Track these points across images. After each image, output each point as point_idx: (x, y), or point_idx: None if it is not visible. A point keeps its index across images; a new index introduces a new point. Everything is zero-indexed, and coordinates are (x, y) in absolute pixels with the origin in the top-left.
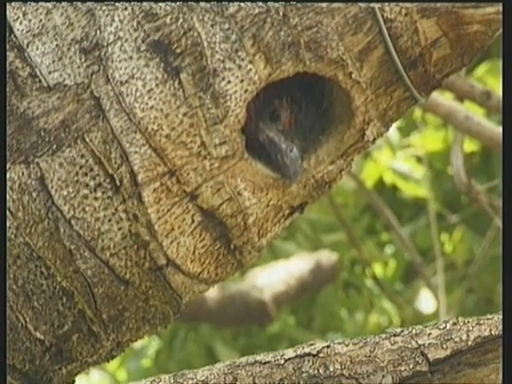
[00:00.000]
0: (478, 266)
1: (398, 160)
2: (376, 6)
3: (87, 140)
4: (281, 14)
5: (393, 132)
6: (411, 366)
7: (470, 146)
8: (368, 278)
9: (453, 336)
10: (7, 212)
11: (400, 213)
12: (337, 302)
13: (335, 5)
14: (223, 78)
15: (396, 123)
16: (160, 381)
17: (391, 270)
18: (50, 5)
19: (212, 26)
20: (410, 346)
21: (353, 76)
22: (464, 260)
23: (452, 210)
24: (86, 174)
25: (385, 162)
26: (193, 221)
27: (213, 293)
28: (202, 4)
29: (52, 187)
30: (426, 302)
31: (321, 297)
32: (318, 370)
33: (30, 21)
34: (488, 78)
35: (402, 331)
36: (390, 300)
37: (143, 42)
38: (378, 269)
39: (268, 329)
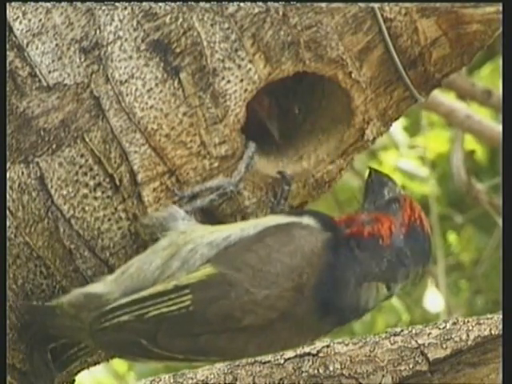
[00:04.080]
0: (486, 267)
1: (403, 158)
2: (376, 5)
3: (87, 139)
4: (280, 13)
5: (399, 132)
6: (411, 366)
7: (472, 144)
8: None
9: (453, 336)
10: (7, 211)
11: None
12: None
13: (335, 4)
14: (223, 78)
15: (402, 124)
16: (160, 380)
17: None
18: (49, 4)
19: (212, 25)
20: (409, 345)
21: (352, 75)
22: (472, 260)
23: (459, 210)
24: (85, 174)
25: (391, 163)
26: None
27: None
28: (202, 4)
29: (52, 187)
30: (434, 301)
31: None
32: (318, 370)
33: (29, 20)
34: (493, 77)
35: (402, 331)
36: (399, 298)
37: (143, 41)
38: None
39: None
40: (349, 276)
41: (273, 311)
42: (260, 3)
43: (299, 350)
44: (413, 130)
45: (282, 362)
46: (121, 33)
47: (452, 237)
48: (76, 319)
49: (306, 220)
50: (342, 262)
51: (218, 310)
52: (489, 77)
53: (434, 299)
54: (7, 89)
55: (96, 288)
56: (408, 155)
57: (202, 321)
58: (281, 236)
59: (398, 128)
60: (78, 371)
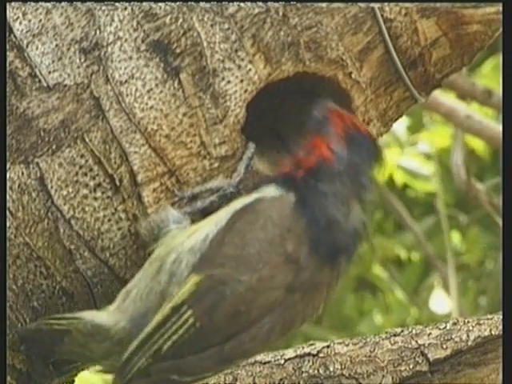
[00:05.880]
0: (491, 267)
1: (406, 156)
2: (376, 5)
3: (87, 140)
4: (280, 13)
5: (401, 130)
6: (411, 366)
7: (474, 143)
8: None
9: (453, 336)
10: (7, 212)
11: (410, 212)
12: (348, 304)
13: (335, 5)
14: (223, 78)
15: (405, 123)
16: None
17: (405, 270)
18: (49, 5)
19: (212, 25)
20: (410, 346)
21: (352, 76)
22: (477, 260)
23: (464, 210)
24: (85, 174)
25: (393, 161)
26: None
27: None
28: (202, 4)
29: (52, 187)
30: (440, 302)
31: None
32: (318, 370)
33: (29, 21)
34: (494, 75)
35: (402, 331)
36: (407, 296)
37: (143, 41)
38: (391, 269)
39: None
40: (331, 212)
41: (275, 290)
42: (260, 3)
43: (299, 351)
44: (415, 128)
45: (282, 362)
46: (121, 33)
47: (456, 237)
48: (85, 348)
49: (266, 191)
50: (317, 205)
51: (223, 313)
52: (489, 75)
53: (441, 300)
54: (7, 89)
55: (101, 319)
56: (411, 153)
57: (214, 330)
58: (247, 217)
59: (400, 126)
60: (78, 371)
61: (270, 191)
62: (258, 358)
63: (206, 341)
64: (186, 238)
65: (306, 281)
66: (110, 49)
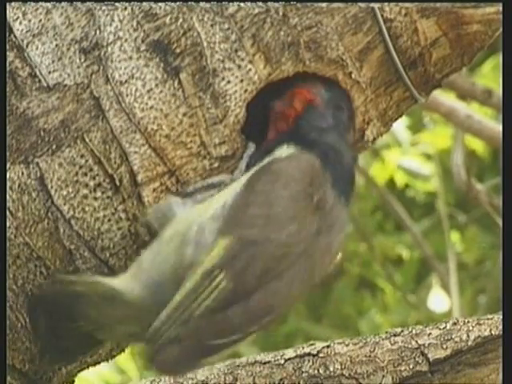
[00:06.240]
0: (490, 266)
1: (407, 156)
2: (376, 5)
3: (87, 140)
4: (280, 13)
5: (401, 130)
6: (411, 366)
7: (475, 143)
8: (381, 276)
9: (453, 336)
10: (7, 212)
11: (410, 213)
12: (349, 302)
13: (335, 5)
14: (223, 78)
15: (405, 123)
16: (160, 381)
17: (403, 269)
18: (49, 5)
19: (212, 25)
20: (409, 346)
21: (352, 76)
22: (475, 260)
23: (463, 210)
24: (85, 174)
25: (394, 161)
26: None
27: None
28: (202, 4)
29: (52, 187)
30: (438, 301)
31: (333, 294)
32: (318, 370)
33: (29, 21)
34: (494, 75)
35: (402, 331)
36: (405, 296)
37: (143, 41)
38: (390, 268)
39: (283, 325)
40: (337, 147)
41: (302, 242)
42: (260, 3)
43: (299, 351)
44: (415, 128)
45: (282, 362)
46: (121, 33)
47: (455, 236)
48: (100, 312)
49: (277, 152)
50: (324, 145)
51: (255, 272)
52: (489, 75)
53: (439, 299)
54: (7, 89)
55: (115, 284)
56: (411, 153)
57: (244, 291)
58: (267, 177)
59: (400, 126)
60: (78, 371)
61: (282, 151)
62: (258, 357)
63: (241, 299)
64: (203, 211)
65: (328, 224)
66: (110, 49)
